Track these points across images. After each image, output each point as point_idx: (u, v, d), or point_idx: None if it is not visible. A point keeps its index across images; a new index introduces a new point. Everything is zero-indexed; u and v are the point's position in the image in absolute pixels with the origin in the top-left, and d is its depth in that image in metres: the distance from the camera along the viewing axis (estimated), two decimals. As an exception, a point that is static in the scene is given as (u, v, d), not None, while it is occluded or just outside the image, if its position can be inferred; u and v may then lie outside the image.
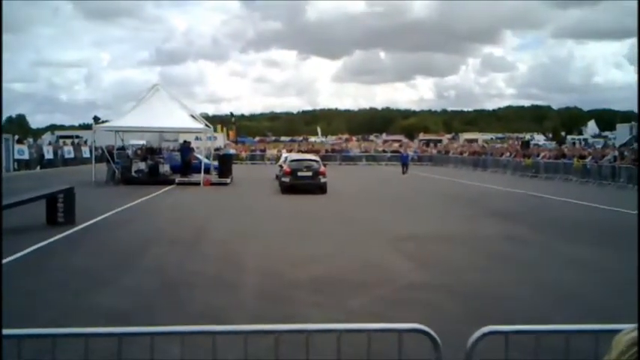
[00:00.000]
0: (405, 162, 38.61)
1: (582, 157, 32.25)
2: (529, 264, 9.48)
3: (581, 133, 76.33)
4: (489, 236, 12.24)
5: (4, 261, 8.86)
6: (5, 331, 2.81)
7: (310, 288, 7.60)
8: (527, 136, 72.05)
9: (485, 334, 2.82)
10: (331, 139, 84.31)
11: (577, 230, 13.41)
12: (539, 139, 74.74)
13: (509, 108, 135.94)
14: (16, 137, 40.17)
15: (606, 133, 69.40)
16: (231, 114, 52.65)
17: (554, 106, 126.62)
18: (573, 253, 10.51)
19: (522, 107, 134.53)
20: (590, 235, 12.53)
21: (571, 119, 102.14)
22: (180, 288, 7.54)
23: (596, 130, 73.46)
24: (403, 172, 36.63)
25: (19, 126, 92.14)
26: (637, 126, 28.70)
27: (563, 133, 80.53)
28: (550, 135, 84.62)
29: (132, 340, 2.96)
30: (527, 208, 18.05)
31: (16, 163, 34.71)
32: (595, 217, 15.87)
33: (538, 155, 37.29)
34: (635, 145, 34.30)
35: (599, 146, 43.73)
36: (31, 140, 49.22)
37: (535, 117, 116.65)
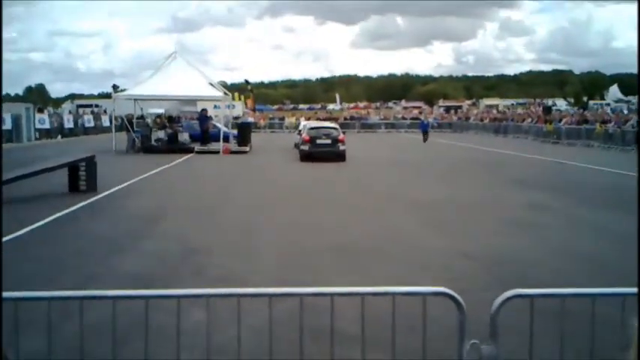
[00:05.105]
0: (425, 130, 37.81)
1: (605, 123, 31.70)
2: (551, 230, 9.41)
3: (603, 98, 74.74)
4: (510, 203, 12.15)
5: (30, 227, 9.06)
6: (35, 293, 2.87)
7: (331, 255, 7.63)
8: (550, 102, 70.77)
9: (510, 298, 2.80)
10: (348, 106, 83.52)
11: (600, 196, 13.24)
12: (561, 104, 73.45)
13: (530, 73, 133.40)
14: (37, 106, 40.49)
15: (630, 97, 67.87)
16: (247, 81, 51.64)
17: (576, 71, 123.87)
18: (596, 219, 10.42)
19: (543, 72, 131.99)
20: (613, 202, 12.35)
21: (593, 84, 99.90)
22: (201, 254, 7.61)
23: (619, 95, 71.89)
24: (424, 141, 35.97)
25: (39, 95, 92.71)
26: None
27: (585, 99, 78.91)
28: (572, 100, 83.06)
29: (158, 303, 3.00)
30: (548, 174, 17.86)
31: (37, 133, 35.03)
32: (618, 184, 15.64)
33: (560, 121, 36.72)
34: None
35: (624, 111, 42.88)
36: (51, 109, 49.54)
37: (556, 82, 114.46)
